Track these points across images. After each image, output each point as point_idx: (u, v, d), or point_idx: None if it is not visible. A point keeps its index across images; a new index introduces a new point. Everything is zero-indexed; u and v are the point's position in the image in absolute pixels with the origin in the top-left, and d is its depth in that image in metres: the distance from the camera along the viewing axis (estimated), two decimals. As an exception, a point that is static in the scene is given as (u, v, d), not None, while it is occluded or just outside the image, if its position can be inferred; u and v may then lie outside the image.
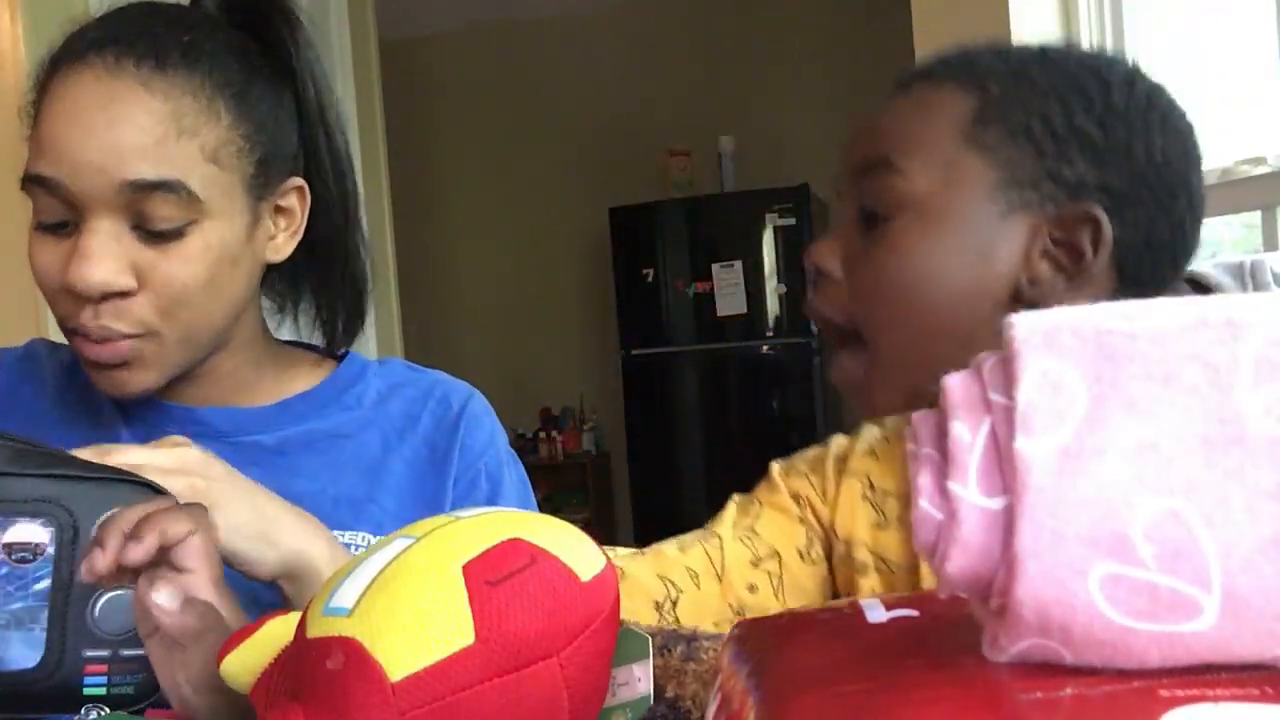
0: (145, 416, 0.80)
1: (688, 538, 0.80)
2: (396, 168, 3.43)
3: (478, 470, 0.85)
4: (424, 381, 0.89)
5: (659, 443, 4.04)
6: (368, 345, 3.09)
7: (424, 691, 0.37)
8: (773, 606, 0.75)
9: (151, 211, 0.71)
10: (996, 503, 0.26)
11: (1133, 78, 0.66)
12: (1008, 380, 0.26)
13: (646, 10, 4.52)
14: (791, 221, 3.88)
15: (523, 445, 4.64)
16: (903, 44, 2.41)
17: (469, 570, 0.39)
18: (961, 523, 0.26)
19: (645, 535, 4.76)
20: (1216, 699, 0.24)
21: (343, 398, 0.85)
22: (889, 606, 0.32)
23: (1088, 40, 2.08)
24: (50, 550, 0.56)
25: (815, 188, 3.98)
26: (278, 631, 0.43)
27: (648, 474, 4.05)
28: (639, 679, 0.45)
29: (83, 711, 0.56)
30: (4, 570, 0.56)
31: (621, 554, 0.78)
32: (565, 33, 4.62)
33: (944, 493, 0.27)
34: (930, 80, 0.67)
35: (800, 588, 0.77)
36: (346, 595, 0.40)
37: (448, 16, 4.61)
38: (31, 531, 0.56)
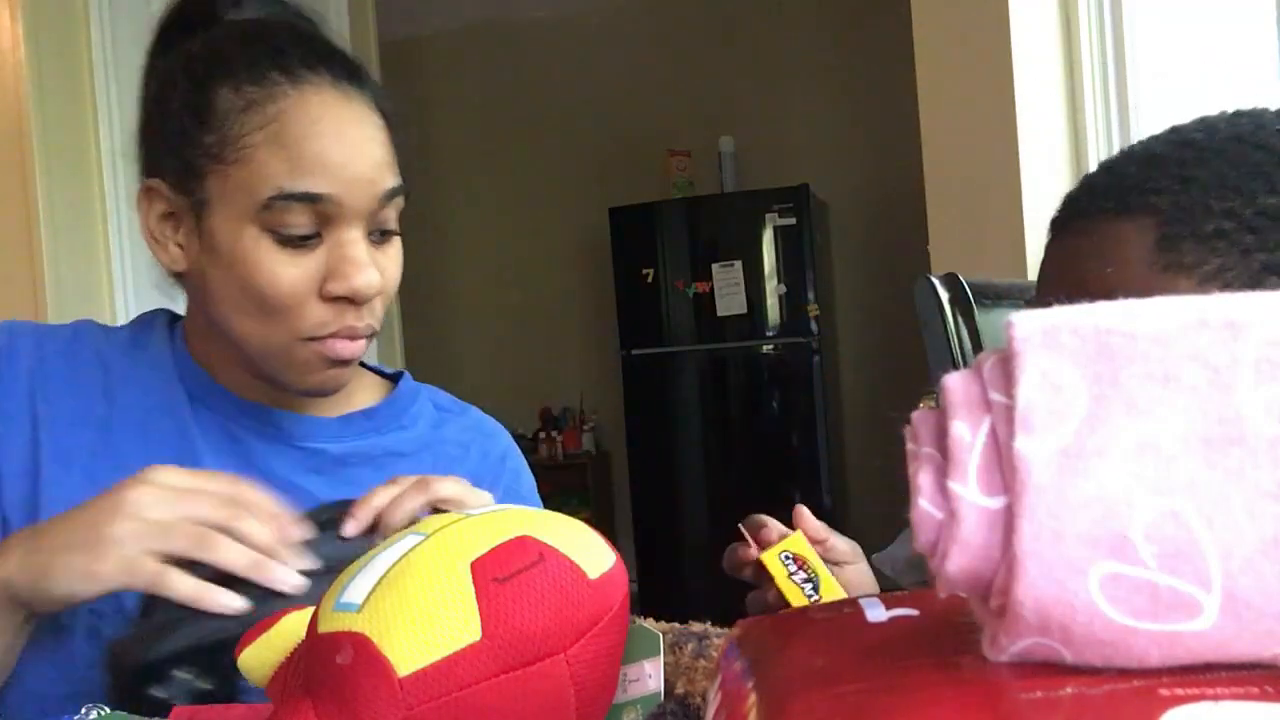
0: (218, 407, 0.81)
1: None
2: (396, 168, 3.43)
3: None
4: (470, 415, 0.94)
5: (659, 443, 4.04)
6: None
7: (431, 687, 0.37)
8: None
9: (386, 216, 0.78)
10: (996, 502, 0.26)
11: None
12: (1008, 379, 0.26)
13: (646, 11, 4.52)
14: (791, 221, 3.88)
15: (523, 445, 4.61)
16: (902, 44, 2.41)
17: (477, 567, 0.40)
18: (961, 522, 0.26)
19: (645, 535, 4.73)
20: (1217, 698, 0.24)
21: (401, 418, 0.88)
22: (889, 606, 0.33)
23: (1087, 41, 2.08)
24: None
25: (815, 188, 3.98)
26: (293, 627, 0.44)
27: (648, 474, 4.05)
28: (649, 675, 0.45)
29: (83, 711, 0.56)
30: None
31: None
32: (565, 33, 4.62)
33: (944, 492, 0.27)
34: (1093, 219, 0.64)
35: None
36: (356, 591, 0.40)
37: (447, 16, 4.61)
38: None
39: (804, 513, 0.77)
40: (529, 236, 4.72)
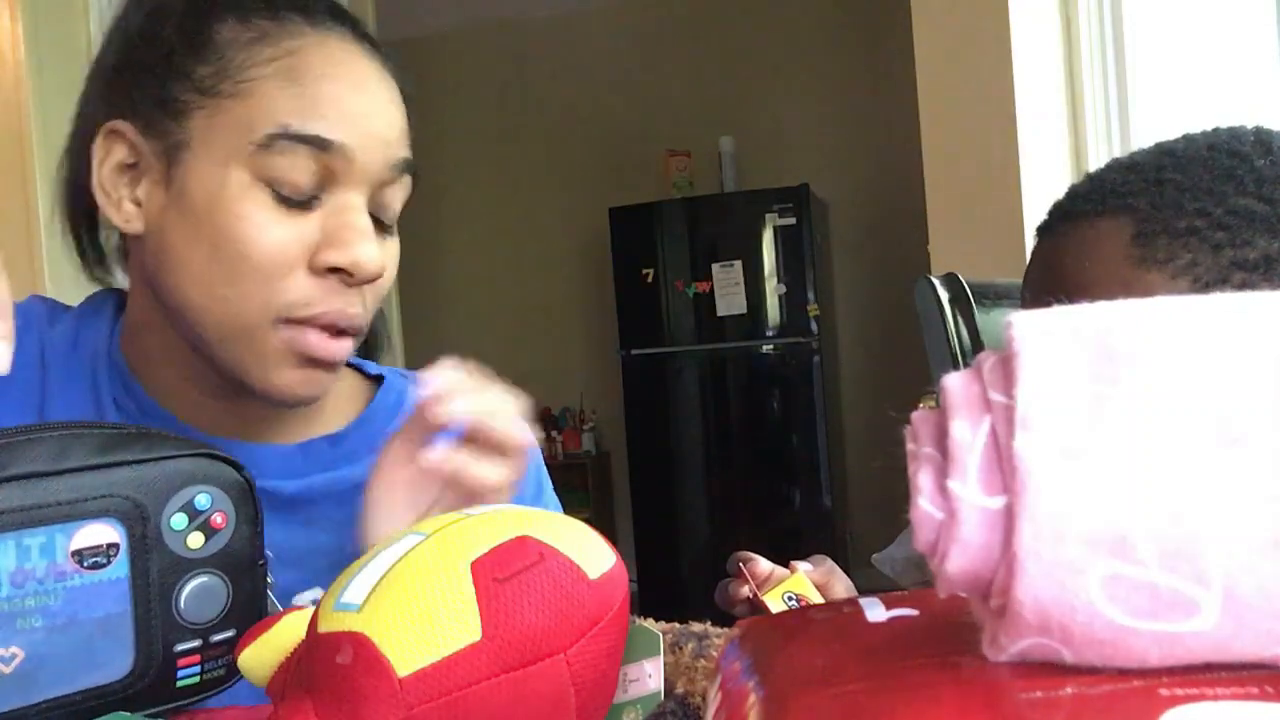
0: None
1: None
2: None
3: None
4: None
5: (659, 443, 4.04)
6: (368, 345, 3.08)
7: (431, 687, 0.37)
8: None
9: (391, 198, 0.67)
10: (996, 502, 0.26)
11: (1266, 137, 0.64)
12: (1008, 379, 0.26)
13: (647, 10, 4.52)
14: (791, 221, 3.88)
15: (522, 445, 4.64)
16: (903, 44, 2.41)
17: (477, 567, 0.40)
18: (961, 522, 0.26)
19: (645, 535, 4.72)
20: (1217, 698, 0.24)
21: (376, 440, 0.68)
22: (889, 606, 0.33)
23: (1087, 41, 2.08)
24: (124, 547, 0.50)
25: (815, 188, 3.98)
26: (294, 627, 0.44)
27: (648, 474, 4.05)
28: (650, 675, 0.45)
29: None
30: (76, 581, 0.49)
31: None
32: (565, 33, 4.62)
33: (944, 492, 0.27)
34: (1074, 220, 0.67)
35: None
36: (356, 591, 0.40)
37: (448, 16, 4.61)
38: (100, 532, 0.50)
39: (802, 566, 0.77)
40: (529, 236, 4.72)
